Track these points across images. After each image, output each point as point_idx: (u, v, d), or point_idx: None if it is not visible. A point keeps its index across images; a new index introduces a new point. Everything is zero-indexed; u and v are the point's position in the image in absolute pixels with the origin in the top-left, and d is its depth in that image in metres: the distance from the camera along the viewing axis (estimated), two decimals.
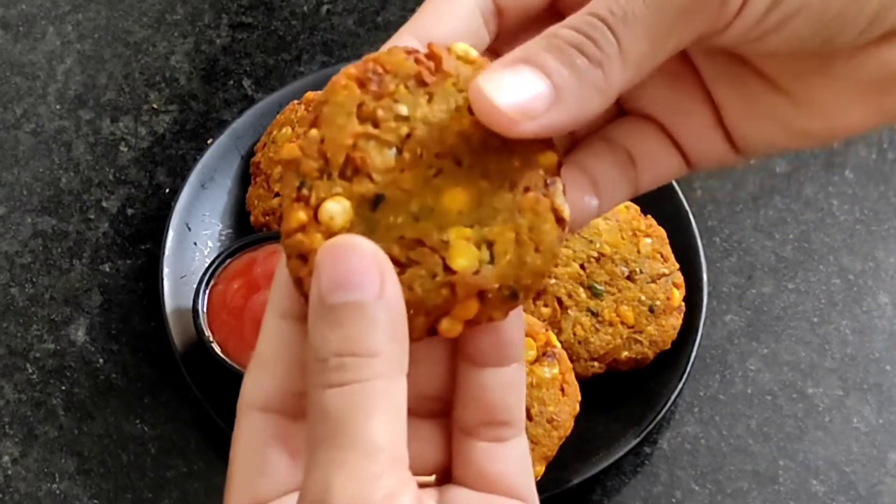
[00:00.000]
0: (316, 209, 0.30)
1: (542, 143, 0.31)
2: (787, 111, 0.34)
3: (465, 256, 0.29)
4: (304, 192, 0.30)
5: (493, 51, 0.34)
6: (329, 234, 0.30)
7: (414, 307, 0.30)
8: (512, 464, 0.33)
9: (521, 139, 0.30)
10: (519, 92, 0.29)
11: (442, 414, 0.34)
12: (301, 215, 0.30)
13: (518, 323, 0.33)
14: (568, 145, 0.36)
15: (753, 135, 0.35)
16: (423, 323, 0.31)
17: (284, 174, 0.31)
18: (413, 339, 0.30)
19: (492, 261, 0.30)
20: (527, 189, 0.30)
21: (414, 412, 0.32)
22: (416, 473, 0.32)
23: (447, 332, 0.30)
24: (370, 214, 0.30)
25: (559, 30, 0.30)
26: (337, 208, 0.30)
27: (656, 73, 0.33)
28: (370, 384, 0.29)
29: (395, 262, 0.30)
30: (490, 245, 0.30)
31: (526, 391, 0.60)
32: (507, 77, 0.29)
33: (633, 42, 0.30)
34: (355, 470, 0.28)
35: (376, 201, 0.30)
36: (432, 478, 0.35)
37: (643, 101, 0.36)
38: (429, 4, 0.33)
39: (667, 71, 0.35)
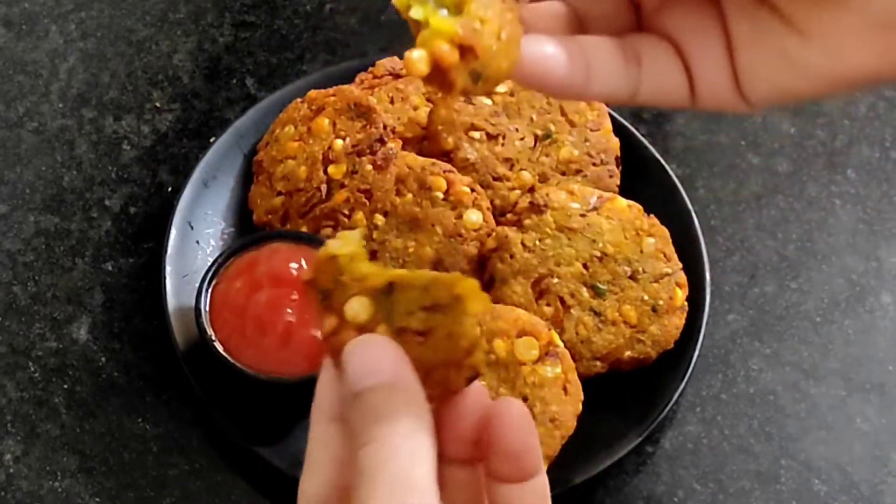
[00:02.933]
0: (341, 312, 0.37)
1: None
2: (795, 45, 0.35)
3: None
4: (327, 302, 0.37)
5: None
6: (358, 328, 0.37)
7: (442, 364, 0.35)
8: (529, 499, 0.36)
9: None
10: None
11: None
12: (332, 321, 0.37)
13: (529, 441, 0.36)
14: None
15: (759, 71, 0.36)
16: (456, 375, 0.36)
17: (308, 292, 0.38)
18: (455, 390, 0.36)
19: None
20: None
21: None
22: None
23: None
24: (386, 300, 0.36)
25: None
26: (357, 306, 0.37)
27: None
28: (391, 440, 0.33)
29: (417, 332, 0.36)
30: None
31: (528, 390, 0.61)
32: None
33: None
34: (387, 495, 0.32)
35: (389, 289, 0.36)
36: None
37: (663, 20, 0.37)
38: None
39: None
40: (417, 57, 0.34)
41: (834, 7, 0.34)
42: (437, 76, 0.34)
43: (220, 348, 0.61)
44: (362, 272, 0.37)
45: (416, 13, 0.34)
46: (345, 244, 0.37)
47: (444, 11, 0.34)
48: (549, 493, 0.37)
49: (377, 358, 0.35)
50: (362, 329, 0.36)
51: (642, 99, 0.37)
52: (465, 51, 0.34)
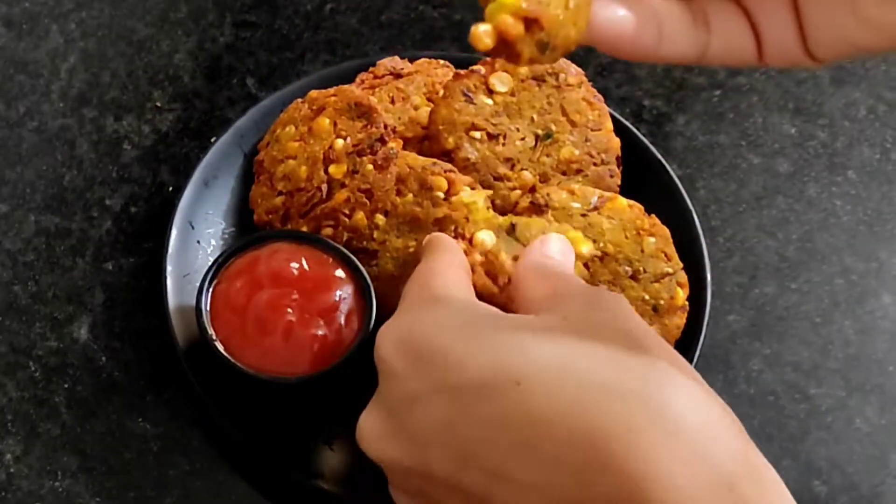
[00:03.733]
0: (470, 240, 0.54)
1: None
2: None
3: None
4: (460, 231, 0.55)
5: None
6: (483, 252, 0.55)
7: None
8: None
9: None
10: None
11: None
12: (462, 245, 0.53)
13: None
14: None
15: (826, 26, 0.36)
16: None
17: (442, 228, 0.55)
18: None
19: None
20: None
21: None
22: None
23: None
24: (508, 237, 0.54)
25: None
26: (485, 236, 0.55)
27: None
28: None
29: None
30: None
31: None
32: None
33: None
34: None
35: (511, 228, 0.55)
36: None
37: None
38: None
39: None
40: (483, 31, 0.35)
41: None
42: (504, 48, 0.35)
43: (220, 348, 0.61)
44: (485, 216, 0.53)
45: None
46: (474, 195, 0.54)
47: None
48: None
49: (561, 246, 0.55)
50: (486, 253, 0.54)
51: (710, 59, 0.38)
52: (531, 22, 0.35)
